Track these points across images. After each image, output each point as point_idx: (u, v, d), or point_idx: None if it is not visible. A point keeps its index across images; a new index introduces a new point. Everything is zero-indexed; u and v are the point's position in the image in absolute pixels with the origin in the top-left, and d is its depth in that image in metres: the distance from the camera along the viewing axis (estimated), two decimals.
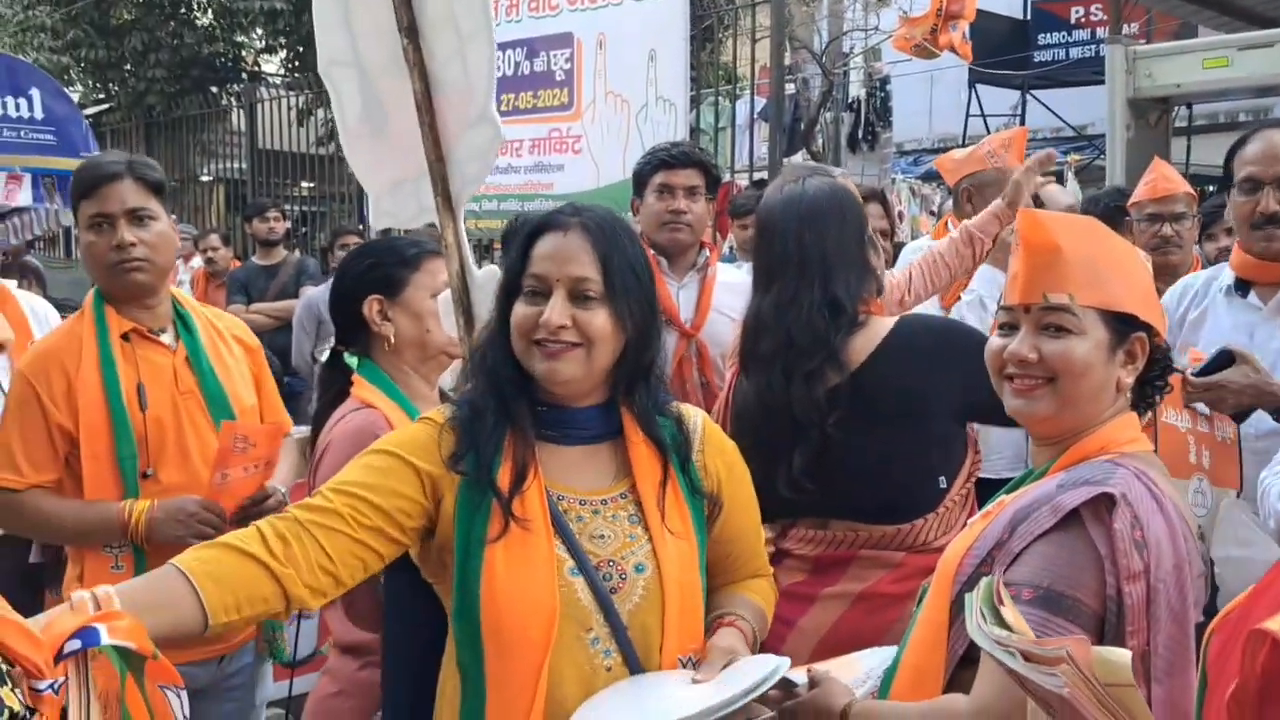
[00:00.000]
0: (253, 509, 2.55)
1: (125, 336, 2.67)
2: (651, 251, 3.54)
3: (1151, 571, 1.57)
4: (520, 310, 1.85)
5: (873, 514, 2.51)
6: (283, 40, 15.32)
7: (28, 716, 1.00)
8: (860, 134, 9.36)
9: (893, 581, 2.49)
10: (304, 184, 13.67)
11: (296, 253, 8.63)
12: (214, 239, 8.76)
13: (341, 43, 2.45)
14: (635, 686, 1.77)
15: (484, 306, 2.27)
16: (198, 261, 9.14)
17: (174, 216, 10.58)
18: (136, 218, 2.65)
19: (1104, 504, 1.60)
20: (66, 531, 2.64)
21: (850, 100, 9.38)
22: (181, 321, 2.75)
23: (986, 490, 2.17)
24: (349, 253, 2.83)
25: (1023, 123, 12.33)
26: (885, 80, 9.86)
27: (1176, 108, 8.40)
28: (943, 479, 2.53)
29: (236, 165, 13.25)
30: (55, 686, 1.06)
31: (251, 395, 2.82)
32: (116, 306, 2.68)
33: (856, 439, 2.47)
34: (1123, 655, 1.19)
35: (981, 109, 13.41)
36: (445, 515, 1.82)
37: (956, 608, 1.69)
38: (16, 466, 2.56)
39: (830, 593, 2.52)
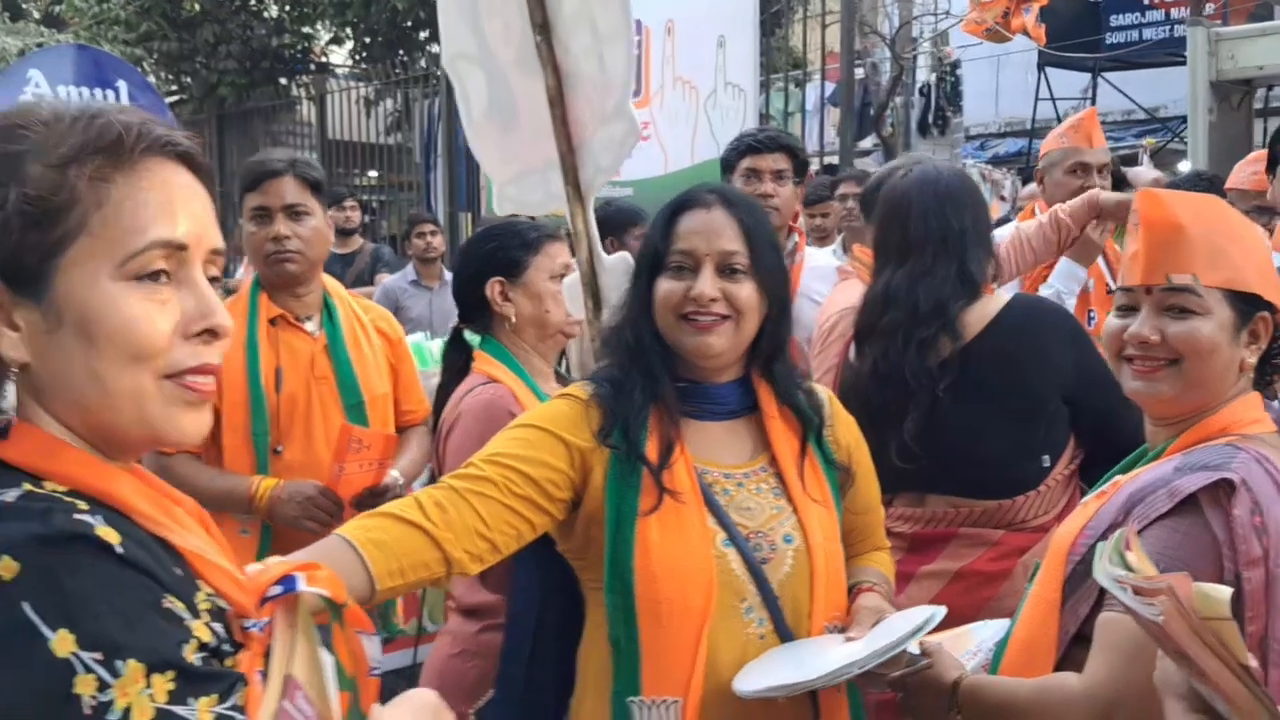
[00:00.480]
0: (371, 500, 2.63)
1: (273, 321, 2.83)
2: None
3: (1271, 557, 1.56)
4: (667, 286, 1.91)
5: (973, 488, 2.54)
6: (350, 31, 15.46)
7: (219, 647, 1.08)
8: (930, 119, 9.31)
9: (990, 560, 2.51)
10: (371, 173, 13.85)
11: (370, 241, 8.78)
12: None
13: (468, 38, 2.54)
14: (792, 650, 1.83)
15: (612, 290, 2.34)
16: None
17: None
18: (294, 213, 2.81)
19: (1223, 490, 1.58)
20: (202, 496, 2.74)
21: (920, 85, 9.35)
22: (328, 311, 2.88)
23: None
24: (471, 236, 2.91)
25: (1094, 105, 12.21)
26: (955, 65, 9.80)
27: (1259, 90, 8.29)
28: (1046, 457, 2.54)
29: (306, 155, 13.41)
30: (261, 626, 1.14)
31: (385, 384, 2.93)
32: (270, 293, 2.84)
33: (965, 409, 2.50)
34: (1222, 591, 1.19)
35: (1051, 92, 13.28)
36: (594, 489, 1.86)
37: (1069, 586, 1.70)
38: None
39: (928, 570, 2.55)
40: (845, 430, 2.08)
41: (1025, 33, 7.69)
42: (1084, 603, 1.69)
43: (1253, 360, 1.75)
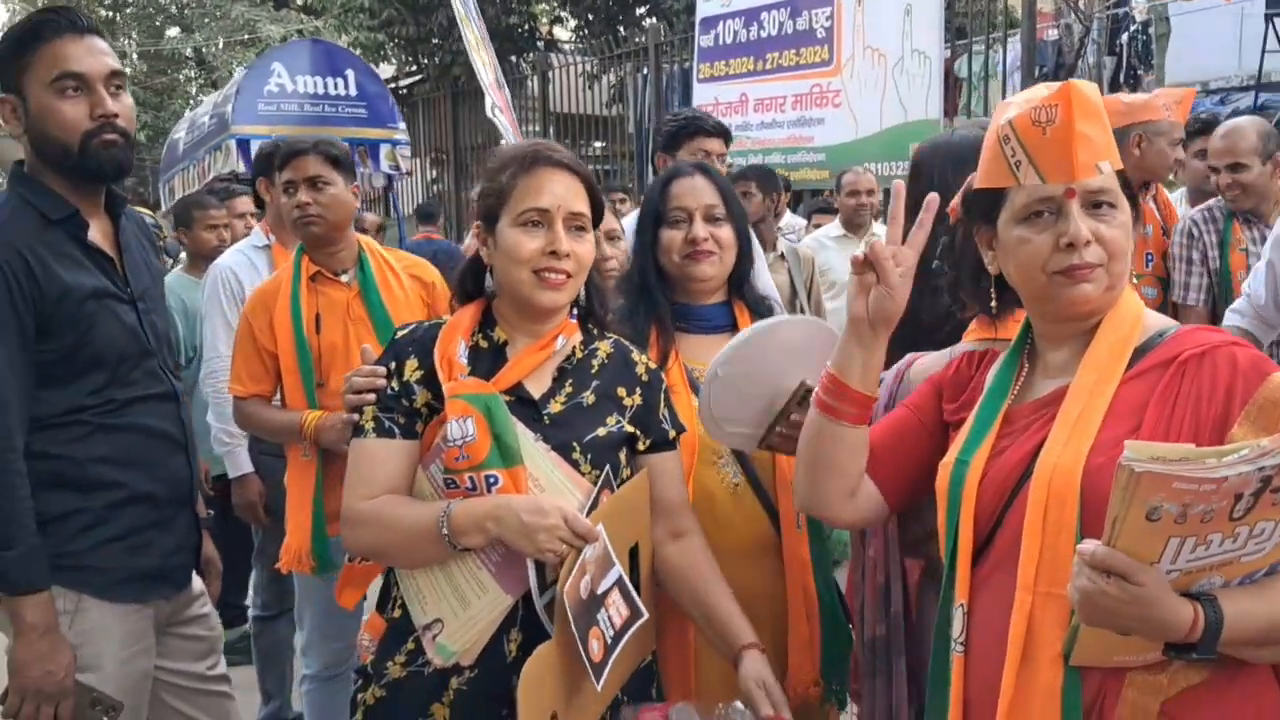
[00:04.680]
0: None
1: (313, 278, 3.37)
2: None
3: None
4: (670, 234, 2.58)
5: None
6: (572, 9, 16.19)
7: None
8: (1122, 77, 9.23)
9: None
10: (596, 144, 14.51)
11: None
12: None
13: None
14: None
15: None
16: None
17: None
18: (316, 184, 3.30)
19: None
20: (270, 430, 3.41)
21: (1114, 44, 9.28)
22: (361, 265, 3.41)
23: None
24: None
25: None
26: (1148, 23, 9.65)
27: None
28: None
29: (534, 129, 14.12)
30: None
31: (418, 319, 3.37)
32: (310, 255, 3.38)
33: None
34: None
35: None
36: None
37: None
38: (241, 380, 3.36)
39: None
40: None
41: None
42: None
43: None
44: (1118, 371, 1.64)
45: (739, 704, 2.00)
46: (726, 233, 2.58)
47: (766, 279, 3.47)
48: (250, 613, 4.50)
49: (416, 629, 2.07)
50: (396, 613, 2.12)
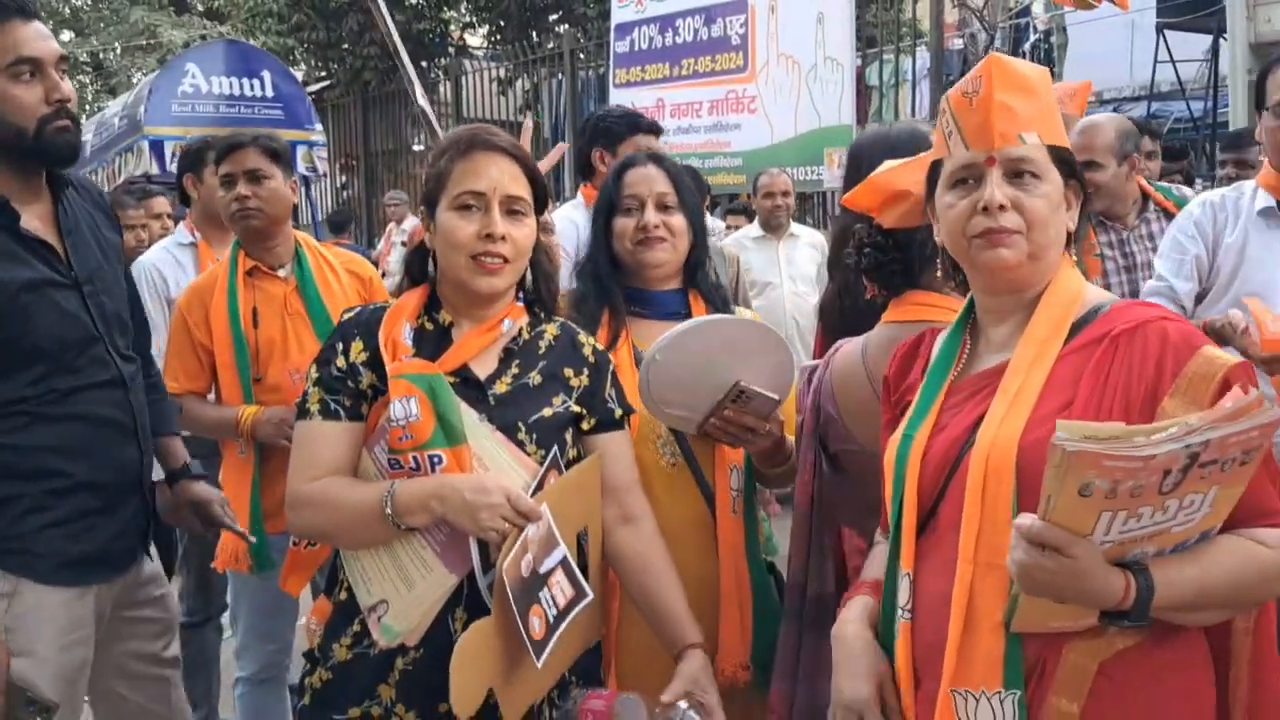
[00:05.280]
0: None
1: (250, 272, 3.34)
2: None
3: None
4: (622, 221, 2.61)
5: None
6: (485, 15, 16.14)
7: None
8: None
9: None
10: None
11: None
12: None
13: None
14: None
15: None
16: (411, 222, 10.11)
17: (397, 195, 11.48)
18: (255, 177, 3.27)
19: None
20: (205, 426, 3.37)
21: (1017, 53, 9.54)
22: (298, 259, 3.40)
23: None
24: None
25: (1215, 68, 12.09)
26: (1049, 32, 9.95)
27: None
28: None
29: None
30: None
31: None
32: (246, 249, 3.35)
33: None
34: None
35: (1170, 55, 13.15)
36: None
37: None
38: (175, 376, 3.30)
39: None
40: None
41: (1111, 0, 7.84)
42: None
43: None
44: (1055, 346, 1.67)
45: (684, 705, 2.01)
46: (679, 220, 2.60)
47: None
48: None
49: (362, 610, 2.06)
50: (343, 595, 2.11)
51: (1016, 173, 1.69)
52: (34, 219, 2.46)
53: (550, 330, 2.26)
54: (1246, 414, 1.37)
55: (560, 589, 1.98)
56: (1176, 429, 1.35)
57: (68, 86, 2.46)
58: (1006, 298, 1.75)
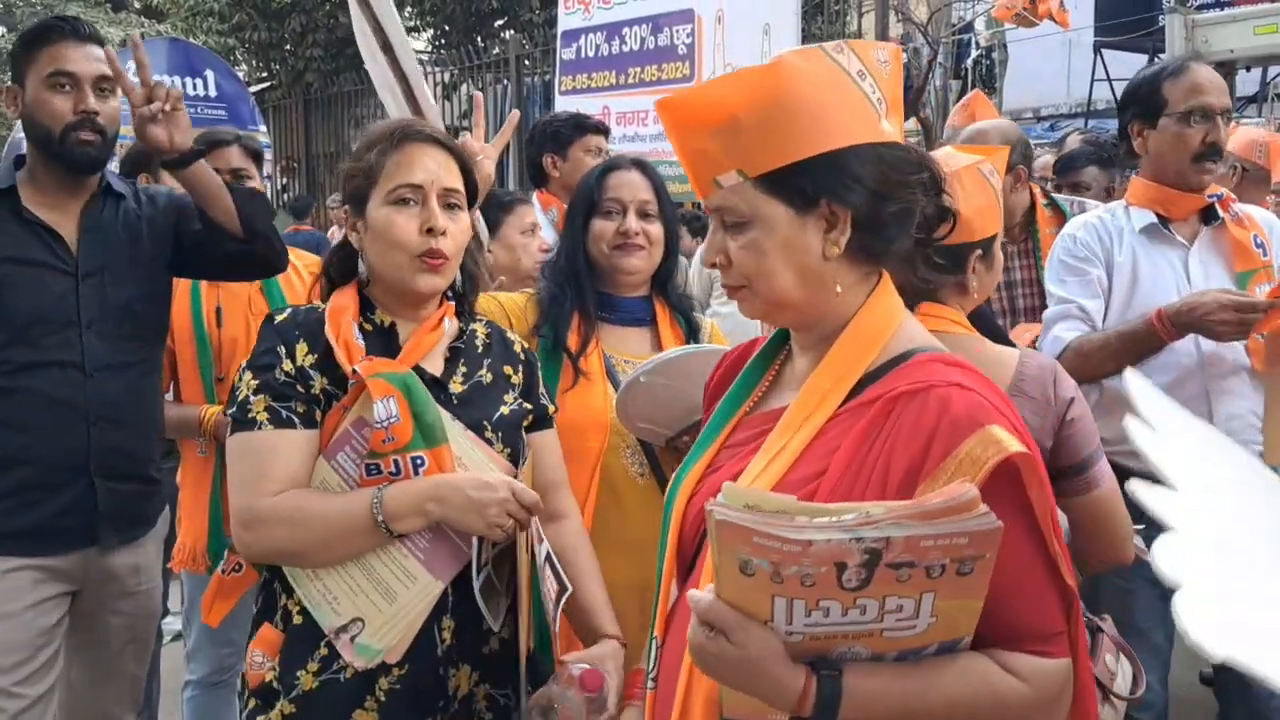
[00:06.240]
0: None
1: None
2: None
3: None
4: (601, 224, 2.60)
5: None
6: (429, 20, 16.07)
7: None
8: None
9: None
10: None
11: None
12: None
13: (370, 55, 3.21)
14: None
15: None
16: None
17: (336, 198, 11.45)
18: (237, 177, 3.32)
19: None
20: (166, 426, 3.30)
21: (960, 68, 9.68)
22: None
23: None
24: None
25: None
26: (990, 49, 10.14)
27: (1237, 73, 8.60)
28: None
29: None
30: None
31: None
32: None
33: None
34: None
35: (1108, 73, 13.44)
36: None
37: None
38: None
39: None
40: (716, 341, 2.72)
41: (1051, 18, 8.03)
42: None
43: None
44: (834, 401, 1.43)
45: (575, 669, 1.93)
46: (657, 229, 2.62)
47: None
48: None
49: (328, 633, 1.94)
50: (297, 620, 1.96)
51: (732, 224, 1.45)
52: (54, 210, 2.72)
53: (480, 329, 2.22)
54: (950, 516, 1.15)
55: (550, 583, 1.97)
56: (853, 516, 1.15)
57: (104, 103, 2.73)
58: (798, 334, 1.56)
